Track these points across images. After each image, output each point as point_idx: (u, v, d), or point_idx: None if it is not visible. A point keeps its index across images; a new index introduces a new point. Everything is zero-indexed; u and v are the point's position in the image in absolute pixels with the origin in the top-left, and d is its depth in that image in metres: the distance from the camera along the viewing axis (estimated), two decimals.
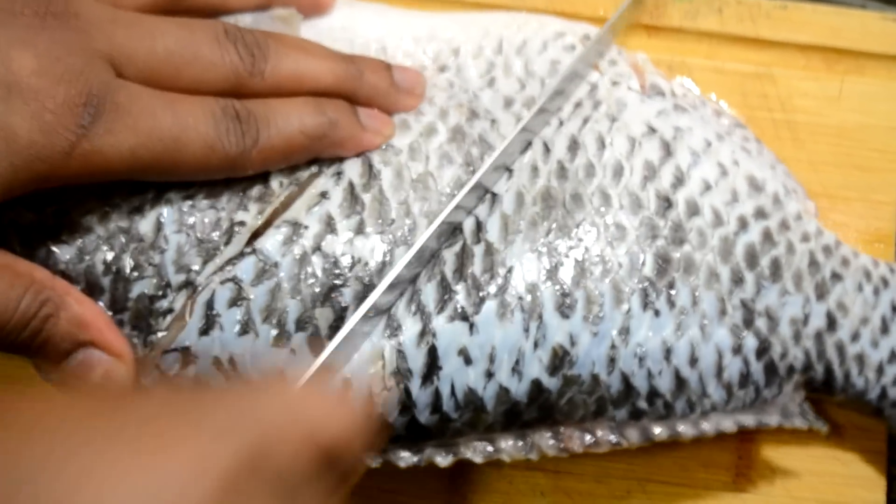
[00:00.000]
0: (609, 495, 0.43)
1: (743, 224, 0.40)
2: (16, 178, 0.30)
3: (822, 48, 0.47)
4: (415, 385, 0.36)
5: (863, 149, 0.46)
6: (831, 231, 0.44)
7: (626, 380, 0.38)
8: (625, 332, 0.37)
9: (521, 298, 0.37)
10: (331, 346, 0.34)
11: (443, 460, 0.38)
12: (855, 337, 0.41)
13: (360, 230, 0.36)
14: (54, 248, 0.35)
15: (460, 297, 0.36)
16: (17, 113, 0.30)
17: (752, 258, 0.39)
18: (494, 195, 0.38)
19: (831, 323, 0.40)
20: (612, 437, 0.39)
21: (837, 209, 0.46)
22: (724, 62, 0.47)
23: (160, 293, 0.35)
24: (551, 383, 0.37)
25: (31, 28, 0.31)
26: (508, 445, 0.38)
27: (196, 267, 0.35)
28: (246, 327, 0.35)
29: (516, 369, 0.37)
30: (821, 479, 0.43)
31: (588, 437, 0.38)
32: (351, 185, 0.36)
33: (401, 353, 0.36)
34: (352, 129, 0.37)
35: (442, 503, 0.43)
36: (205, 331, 0.35)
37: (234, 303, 0.35)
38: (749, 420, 0.40)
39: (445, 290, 0.36)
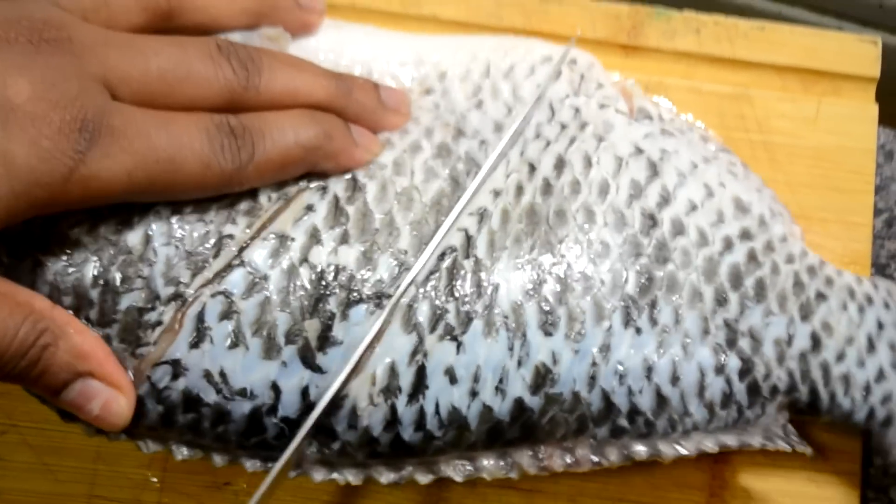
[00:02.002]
0: None
1: (728, 245, 0.40)
2: (17, 203, 0.30)
3: (800, 69, 0.47)
4: (401, 403, 0.36)
5: (839, 170, 0.46)
6: None
7: (606, 397, 0.38)
8: (605, 349, 0.37)
9: (506, 317, 0.37)
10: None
11: (423, 478, 0.38)
12: (840, 357, 0.40)
13: (343, 240, 0.36)
14: (42, 260, 0.35)
15: (451, 316, 0.36)
16: (15, 139, 0.30)
17: (736, 278, 0.39)
18: (483, 211, 0.38)
19: (816, 343, 0.40)
20: (593, 458, 0.39)
21: (814, 231, 0.45)
22: (702, 83, 0.47)
23: (149, 306, 0.35)
24: (533, 402, 0.37)
25: (26, 54, 0.31)
26: (489, 464, 0.38)
27: (185, 280, 0.35)
28: (236, 340, 0.35)
29: (500, 388, 0.37)
30: (794, 501, 0.43)
31: (568, 458, 0.39)
32: (336, 199, 0.37)
33: (392, 372, 0.36)
34: (345, 143, 0.37)
35: None
36: (195, 344, 0.35)
37: (224, 316, 0.35)
38: (731, 440, 0.40)
39: (438, 308, 0.36)
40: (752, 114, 0.46)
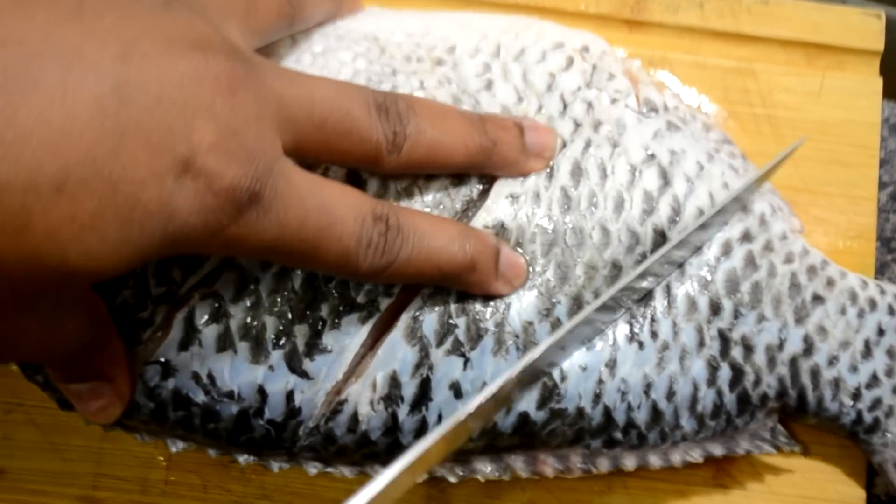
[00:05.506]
0: (589, 491, 0.43)
1: (727, 249, 0.39)
2: (159, 249, 0.28)
3: (803, 43, 0.47)
4: (402, 412, 0.36)
5: (843, 144, 0.46)
6: (813, 227, 0.44)
7: (607, 413, 0.38)
8: (611, 365, 0.38)
9: (517, 336, 0.37)
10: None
11: (418, 477, 0.38)
12: (832, 361, 0.40)
13: None
14: None
15: (460, 332, 0.36)
16: (184, 193, 0.28)
17: (732, 285, 0.39)
18: (501, 225, 0.37)
19: (808, 347, 0.40)
20: (583, 466, 0.39)
21: (818, 204, 0.45)
22: (706, 57, 0.47)
23: (140, 303, 0.35)
24: (538, 416, 0.37)
25: (217, 93, 0.28)
26: (483, 467, 0.39)
27: (177, 279, 0.35)
28: (224, 344, 0.35)
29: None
30: (802, 475, 0.43)
31: (560, 465, 0.39)
32: None
33: (394, 382, 0.36)
34: (486, 276, 0.36)
35: (420, 497, 0.43)
36: (184, 346, 0.35)
37: (213, 319, 0.35)
38: (717, 450, 0.40)
39: (447, 323, 0.36)
40: (757, 88, 0.46)
